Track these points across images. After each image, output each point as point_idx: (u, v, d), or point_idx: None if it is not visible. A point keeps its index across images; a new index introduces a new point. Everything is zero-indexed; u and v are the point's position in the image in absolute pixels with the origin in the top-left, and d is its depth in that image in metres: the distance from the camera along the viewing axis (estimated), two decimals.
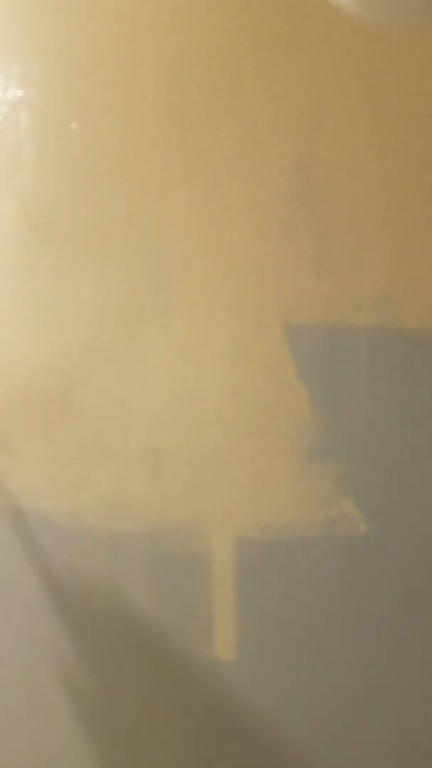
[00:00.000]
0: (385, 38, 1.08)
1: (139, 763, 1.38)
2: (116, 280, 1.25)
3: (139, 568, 1.31)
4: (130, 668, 1.35)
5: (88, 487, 1.32)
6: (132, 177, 1.21)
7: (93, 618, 1.35)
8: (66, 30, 1.19)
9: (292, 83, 1.13)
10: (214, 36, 1.14)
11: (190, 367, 1.25)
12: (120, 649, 1.35)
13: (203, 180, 1.19)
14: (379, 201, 1.14)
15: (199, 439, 1.26)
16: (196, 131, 1.17)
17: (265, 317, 1.20)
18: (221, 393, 1.24)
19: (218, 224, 1.19)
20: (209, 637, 1.30)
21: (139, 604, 1.32)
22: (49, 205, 1.25)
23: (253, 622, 1.29)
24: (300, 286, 1.18)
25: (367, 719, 1.27)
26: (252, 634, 1.29)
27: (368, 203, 1.14)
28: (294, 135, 1.14)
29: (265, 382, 1.22)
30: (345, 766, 1.28)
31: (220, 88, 1.15)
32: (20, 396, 1.32)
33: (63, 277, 1.27)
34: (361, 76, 1.11)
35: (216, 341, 1.23)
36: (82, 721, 1.39)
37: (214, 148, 1.17)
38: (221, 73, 1.15)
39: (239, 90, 1.15)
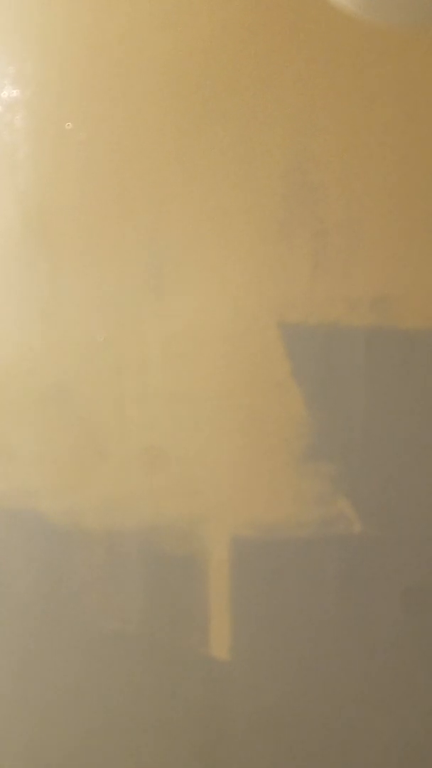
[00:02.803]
0: (385, 38, 1.08)
1: (135, 762, 1.38)
2: (112, 280, 1.25)
3: (135, 567, 1.31)
4: (126, 667, 1.35)
5: (85, 486, 1.31)
6: (128, 176, 1.20)
7: (89, 617, 1.35)
8: (62, 30, 1.19)
9: (291, 82, 1.13)
10: (212, 35, 1.14)
11: (186, 366, 1.24)
12: (116, 647, 1.35)
13: (200, 179, 1.18)
14: (376, 201, 1.14)
15: (195, 439, 1.26)
16: (192, 130, 1.17)
17: (261, 317, 1.20)
18: (217, 392, 1.24)
19: (215, 223, 1.19)
20: (205, 636, 1.30)
21: (135, 602, 1.32)
22: (46, 205, 1.24)
23: (249, 621, 1.29)
24: (296, 286, 1.18)
25: (364, 718, 1.27)
26: (248, 634, 1.29)
27: (365, 203, 1.14)
28: (291, 134, 1.14)
29: (261, 381, 1.22)
30: (343, 766, 1.29)
31: (217, 87, 1.15)
32: (16, 395, 1.32)
33: (59, 276, 1.26)
34: (359, 76, 1.10)
35: (212, 340, 1.23)
36: (78, 721, 1.39)
37: (211, 148, 1.17)
38: (219, 72, 1.14)
39: (237, 89, 1.14)
